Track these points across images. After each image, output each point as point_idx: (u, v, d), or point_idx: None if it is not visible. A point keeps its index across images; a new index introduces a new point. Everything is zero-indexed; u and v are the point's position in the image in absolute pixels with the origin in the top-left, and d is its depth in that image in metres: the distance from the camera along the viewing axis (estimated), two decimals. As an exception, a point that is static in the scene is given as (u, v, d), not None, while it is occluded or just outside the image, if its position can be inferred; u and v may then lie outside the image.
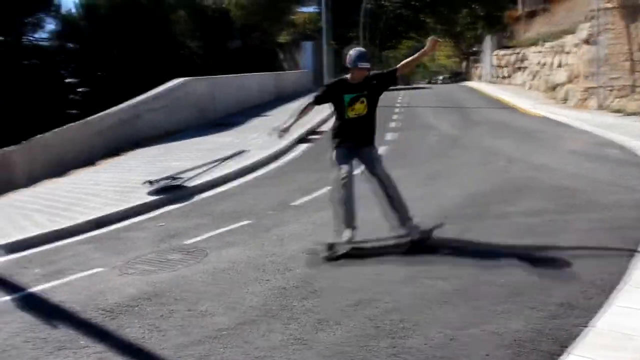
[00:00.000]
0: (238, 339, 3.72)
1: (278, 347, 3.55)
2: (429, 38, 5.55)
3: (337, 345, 3.52)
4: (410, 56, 5.75)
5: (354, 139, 5.47)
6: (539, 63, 21.47)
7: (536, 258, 4.73)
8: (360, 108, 5.40)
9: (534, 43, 22.70)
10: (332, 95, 5.53)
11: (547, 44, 20.34)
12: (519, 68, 25.35)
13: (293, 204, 7.52)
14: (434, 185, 8.01)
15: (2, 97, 26.35)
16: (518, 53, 25.57)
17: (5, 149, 14.35)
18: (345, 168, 5.32)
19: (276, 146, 11.95)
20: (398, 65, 5.70)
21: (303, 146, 13.05)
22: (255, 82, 22.94)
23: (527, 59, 23.90)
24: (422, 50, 5.56)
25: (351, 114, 5.42)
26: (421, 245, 5.16)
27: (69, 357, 3.74)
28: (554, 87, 18.70)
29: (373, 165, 5.42)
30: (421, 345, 3.42)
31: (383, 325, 3.74)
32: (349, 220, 5.27)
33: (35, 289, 5.26)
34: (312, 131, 14.92)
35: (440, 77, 49.21)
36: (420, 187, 7.61)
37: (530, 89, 22.52)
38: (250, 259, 5.36)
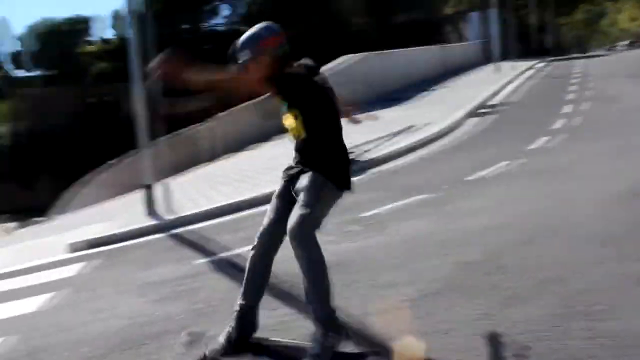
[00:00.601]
0: (421, 311, 3.71)
1: (464, 320, 3.49)
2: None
3: (526, 323, 3.37)
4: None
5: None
6: None
7: None
8: (292, 127, 3.33)
9: None
10: None
11: None
12: None
13: (468, 178, 7.34)
14: (618, 161, 7.34)
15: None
16: None
17: (194, 126, 15.69)
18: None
19: (446, 121, 11.73)
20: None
21: (474, 120, 12.66)
22: (421, 56, 22.64)
23: None
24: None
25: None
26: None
27: (263, 317, 3.99)
28: None
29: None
30: (621, 330, 3.17)
31: (575, 305, 3.53)
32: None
33: (229, 253, 5.72)
34: (483, 105, 14.41)
35: (622, 43, 44.86)
36: (602, 164, 7.03)
37: None
38: (430, 233, 5.34)
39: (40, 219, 22.01)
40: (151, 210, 8.58)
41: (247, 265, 3.50)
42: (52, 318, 4.98)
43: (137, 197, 10.56)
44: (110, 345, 3.94)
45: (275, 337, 3.58)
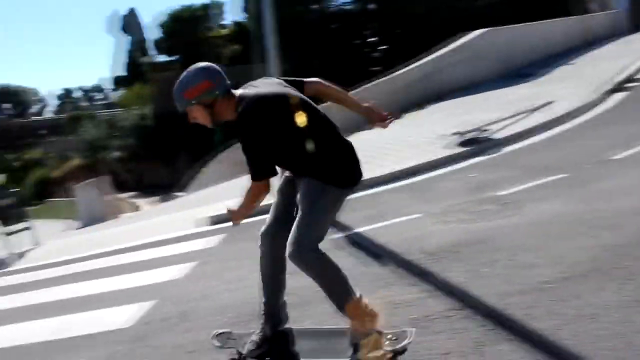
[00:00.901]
0: (565, 293, 3.57)
1: (614, 306, 3.31)
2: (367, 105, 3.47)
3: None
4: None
5: None
6: None
7: None
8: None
9: None
10: None
11: None
12: None
13: (613, 157, 6.87)
14: None
15: (317, 60, 29.09)
16: None
17: (323, 104, 15.94)
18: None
19: (583, 97, 11.03)
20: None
21: (618, 96, 11.78)
22: (558, 28, 21.31)
23: None
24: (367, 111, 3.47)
25: None
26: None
27: (398, 293, 4.05)
28: None
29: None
30: None
31: None
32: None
33: (361, 229, 5.83)
34: (629, 79, 13.35)
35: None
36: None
37: None
38: (572, 214, 5.09)
39: (180, 193, 23.57)
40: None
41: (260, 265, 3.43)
42: (196, 285, 5.37)
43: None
44: (254, 313, 4.18)
45: (311, 326, 3.69)
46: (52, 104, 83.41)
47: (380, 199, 7.03)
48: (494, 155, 8.22)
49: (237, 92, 3.13)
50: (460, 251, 4.62)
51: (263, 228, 3.34)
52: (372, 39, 33.99)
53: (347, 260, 4.92)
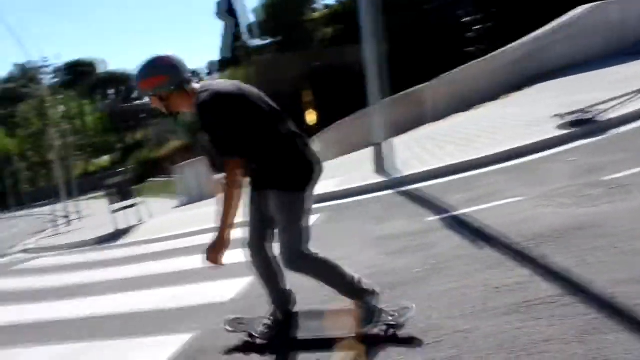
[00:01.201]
0: (678, 285, 3.40)
1: None
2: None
3: None
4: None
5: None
6: None
7: None
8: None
9: None
10: None
11: None
12: None
13: None
14: None
15: (411, 42, 28.72)
16: None
17: (417, 87, 15.79)
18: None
19: None
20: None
21: None
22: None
23: None
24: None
25: None
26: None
27: (497, 277, 3.99)
28: None
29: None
30: None
31: None
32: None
33: (459, 212, 5.77)
34: None
35: None
36: None
37: None
38: (688, 200, 4.80)
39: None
40: (380, 168, 8.93)
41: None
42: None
43: (364, 155, 11.05)
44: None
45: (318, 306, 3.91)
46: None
47: (477, 182, 6.92)
48: (601, 137, 7.81)
49: (195, 86, 3.28)
50: (562, 236, 4.47)
51: (247, 238, 3.59)
52: (467, 19, 33.02)
53: (445, 242, 4.91)
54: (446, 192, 6.85)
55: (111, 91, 78.64)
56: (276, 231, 3.41)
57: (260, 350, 3.63)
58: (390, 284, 4.18)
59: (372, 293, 3.44)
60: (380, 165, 8.96)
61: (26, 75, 61.21)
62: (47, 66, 37.08)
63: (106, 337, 4.64)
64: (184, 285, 5.67)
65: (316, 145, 3.52)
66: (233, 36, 57.38)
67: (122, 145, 59.45)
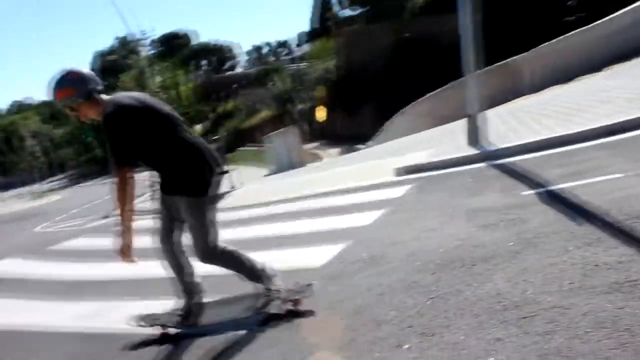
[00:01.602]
0: None
1: None
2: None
3: None
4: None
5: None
6: None
7: None
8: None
9: None
10: None
11: None
12: None
13: None
14: None
15: (507, 10, 27.53)
16: None
17: (513, 58, 15.21)
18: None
19: None
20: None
21: None
22: None
23: None
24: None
25: None
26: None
27: (597, 254, 3.83)
28: None
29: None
30: None
31: None
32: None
33: (556, 187, 5.58)
34: None
35: None
36: None
37: None
38: None
39: (361, 145, 24.13)
40: (473, 140, 8.75)
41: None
42: (386, 231, 5.59)
43: (457, 127, 10.85)
44: (441, 262, 4.27)
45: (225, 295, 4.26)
46: (243, 60, 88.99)
47: (576, 157, 6.64)
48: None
49: (104, 97, 3.68)
50: (670, 215, 4.25)
51: (158, 235, 3.96)
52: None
53: (542, 217, 4.78)
54: (543, 166, 6.62)
55: (204, 62, 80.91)
56: (186, 227, 3.82)
57: (174, 339, 4.01)
58: (482, 257, 4.14)
59: (275, 276, 3.95)
60: (473, 137, 8.77)
61: (126, 47, 64.21)
62: (145, 39, 38.56)
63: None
64: (276, 249, 5.85)
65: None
66: (322, 7, 57.52)
67: (215, 114, 61.08)
